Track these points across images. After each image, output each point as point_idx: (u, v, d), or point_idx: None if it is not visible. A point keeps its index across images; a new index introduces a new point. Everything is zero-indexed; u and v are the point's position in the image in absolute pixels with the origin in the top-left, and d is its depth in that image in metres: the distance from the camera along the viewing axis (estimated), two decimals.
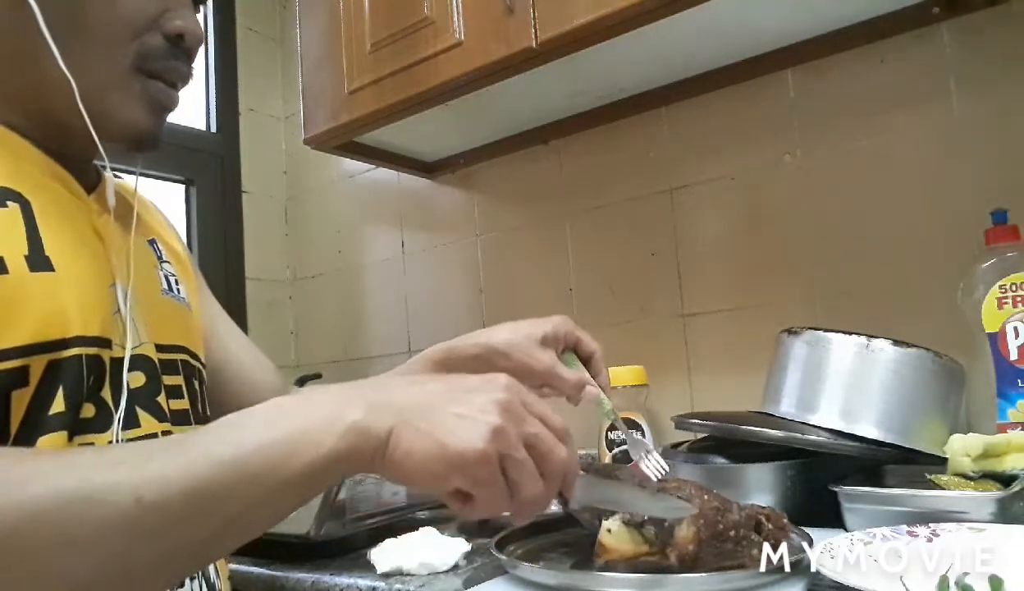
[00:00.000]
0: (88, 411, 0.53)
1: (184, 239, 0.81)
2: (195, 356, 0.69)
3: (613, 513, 0.65)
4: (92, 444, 0.53)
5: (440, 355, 0.77)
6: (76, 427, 0.52)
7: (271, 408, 0.42)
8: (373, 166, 1.65)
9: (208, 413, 0.69)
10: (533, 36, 1.04)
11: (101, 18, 0.55)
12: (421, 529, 0.89)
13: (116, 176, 0.66)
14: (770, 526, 0.63)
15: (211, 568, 0.64)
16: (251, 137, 1.85)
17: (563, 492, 0.47)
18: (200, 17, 0.63)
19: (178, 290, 0.70)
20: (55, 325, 0.51)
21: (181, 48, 0.59)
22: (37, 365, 0.50)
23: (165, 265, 0.70)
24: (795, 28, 1.11)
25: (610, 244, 1.36)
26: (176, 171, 1.72)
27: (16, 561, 0.34)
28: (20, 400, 0.49)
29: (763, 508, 0.65)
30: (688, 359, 1.24)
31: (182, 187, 1.76)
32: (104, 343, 0.55)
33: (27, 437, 0.49)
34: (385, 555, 0.82)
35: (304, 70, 1.37)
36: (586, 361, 0.78)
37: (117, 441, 0.54)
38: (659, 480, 0.67)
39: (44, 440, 0.49)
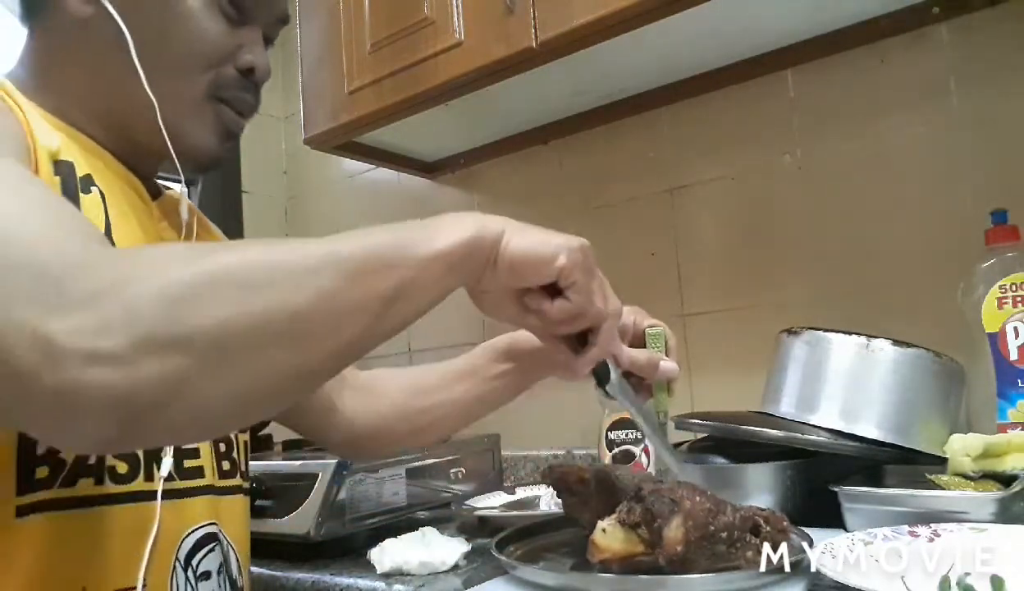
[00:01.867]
0: None
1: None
2: None
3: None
4: None
5: (504, 345, 0.80)
6: None
7: (423, 222, 0.51)
8: (373, 166, 1.65)
9: None
10: (533, 36, 1.04)
11: (184, 49, 0.61)
12: (421, 529, 0.89)
13: (167, 188, 0.72)
14: (768, 529, 0.63)
15: (234, 566, 0.66)
16: (251, 137, 1.85)
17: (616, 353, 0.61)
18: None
19: None
20: None
21: (251, 81, 0.66)
22: None
23: None
24: (795, 28, 1.11)
25: (610, 244, 1.36)
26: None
27: (252, 293, 0.40)
28: None
29: (762, 510, 0.65)
30: (688, 359, 1.24)
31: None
32: None
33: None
34: (385, 555, 0.82)
35: (304, 70, 1.37)
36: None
37: None
38: (655, 482, 0.67)
39: None
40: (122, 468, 0.56)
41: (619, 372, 0.63)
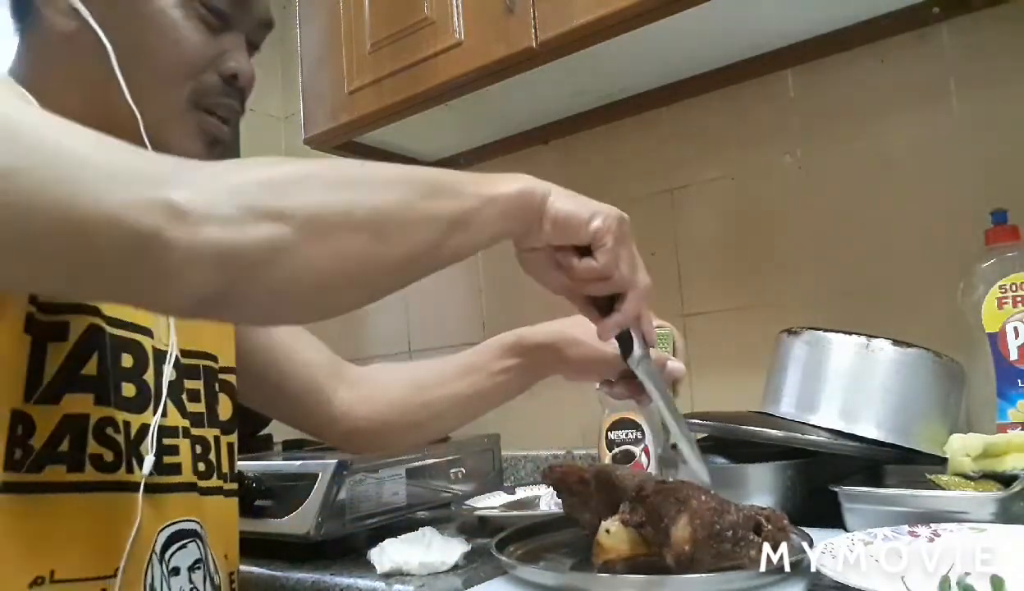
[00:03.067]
0: (129, 391, 0.60)
1: None
2: (217, 360, 0.73)
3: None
4: (128, 423, 0.59)
5: (511, 340, 0.81)
6: (116, 402, 0.59)
7: (477, 173, 0.58)
8: None
9: (220, 416, 0.73)
10: (533, 36, 1.04)
11: (165, 59, 0.62)
12: (421, 529, 0.89)
13: None
14: (770, 527, 0.63)
15: (211, 565, 0.66)
16: (251, 137, 1.84)
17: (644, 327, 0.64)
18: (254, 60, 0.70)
19: None
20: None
21: (235, 87, 0.66)
22: (78, 324, 0.56)
23: None
24: (795, 28, 1.11)
25: None
26: None
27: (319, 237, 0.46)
28: (57, 352, 0.55)
29: (763, 509, 0.65)
30: (688, 359, 1.24)
31: None
32: (146, 332, 0.63)
33: (55, 392, 0.55)
34: (385, 555, 0.82)
35: (304, 70, 1.37)
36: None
37: (155, 424, 0.61)
38: (658, 481, 0.67)
39: (70, 398, 0.55)
40: (108, 456, 0.57)
41: (645, 349, 0.64)
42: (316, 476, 0.93)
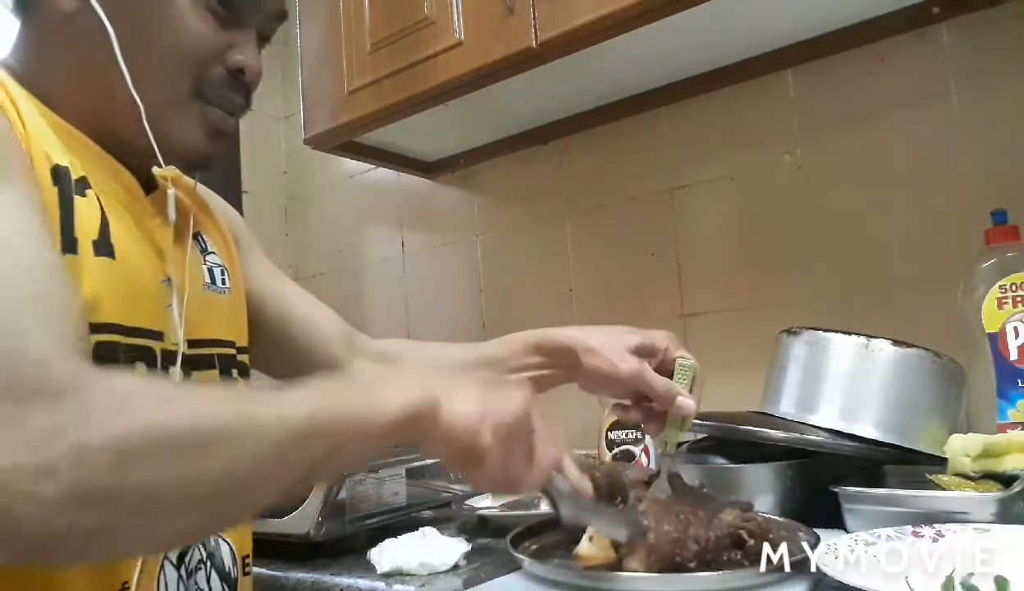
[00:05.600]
0: None
1: (231, 212, 0.84)
2: (233, 344, 0.72)
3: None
4: None
5: (537, 337, 0.80)
6: None
7: (360, 380, 0.55)
8: (373, 166, 1.65)
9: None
10: (533, 36, 1.04)
11: (169, 47, 0.60)
12: (421, 529, 0.89)
13: (163, 178, 0.70)
14: (752, 542, 0.61)
15: (227, 559, 0.66)
16: (251, 137, 1.85)
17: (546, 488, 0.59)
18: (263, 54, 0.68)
19: (222, 280, 0.73)
20: (99, 309, 0.55)
21: (241, 81, 0.64)
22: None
23: (210, 257, 0.72)
24: (795, 28, 1.11)
25: (610, 244, 1.36)
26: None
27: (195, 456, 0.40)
28: None
29: (748, 520, 0.63)
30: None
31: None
32: (156, 335, 0.61)
33: None
34: (385, 555, 0.82)
35: (304, 70, 1.37)
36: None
37: None
38: (636, 498, 0.66)
39: None
40: None
41: (574, 497, 0.61)
42: None
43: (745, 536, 0.61)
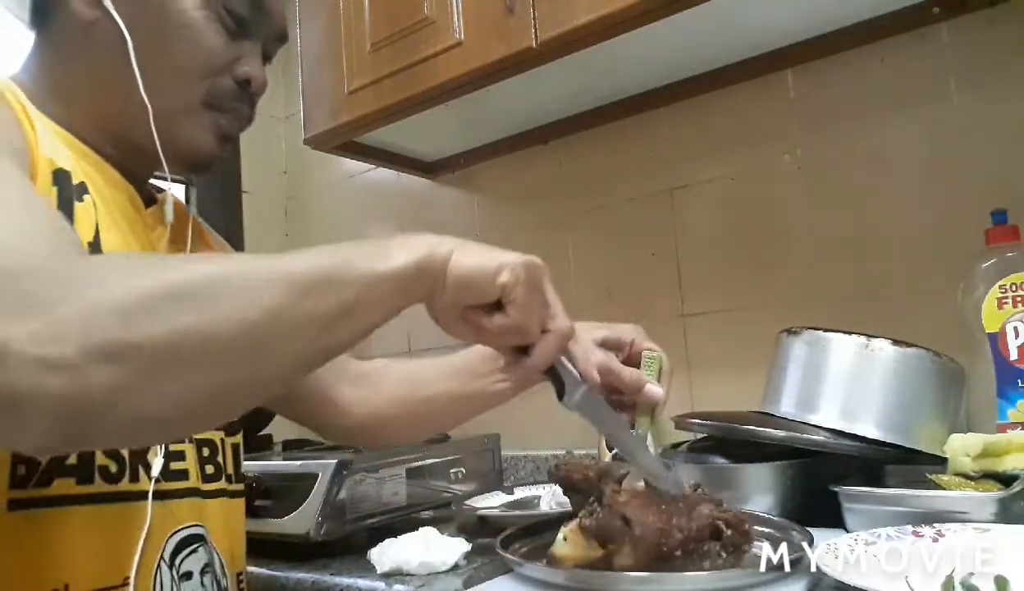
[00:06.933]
0: None
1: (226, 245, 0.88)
2: None
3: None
4: None
5: None
6: None
7: (375, 241, 0.53)
8: (373, 166, 1.65)
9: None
10: (533, 36, 1.04)
11: (183, 56, 0.63)
12: (421, 529, 0.89)
13: (160, 191, 0.72)
14: (729, 533, 0.61)
15: (218, 569, 0.66)
16: (251, 137, 1.83)
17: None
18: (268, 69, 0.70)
19: None
20: None
21: (247, 92, 0.67)
22: None
23: None
24: (795, 28, 1.11)
25: (610, 244, 1.36)
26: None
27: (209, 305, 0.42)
28: None
29: (725, 512, 0.63)
30: (688, 359, 1.24)
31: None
32: None
33: None
34: (385, 555, 0.82)
35: (304, 70, 1.37)
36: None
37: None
38: (614, 491, 0.66)
39: None
40: (112, 467, 0.57)
41: (584, 389, 0.62)
42: (316, 476, 0.93)
43: (723, 526, 0.62)
